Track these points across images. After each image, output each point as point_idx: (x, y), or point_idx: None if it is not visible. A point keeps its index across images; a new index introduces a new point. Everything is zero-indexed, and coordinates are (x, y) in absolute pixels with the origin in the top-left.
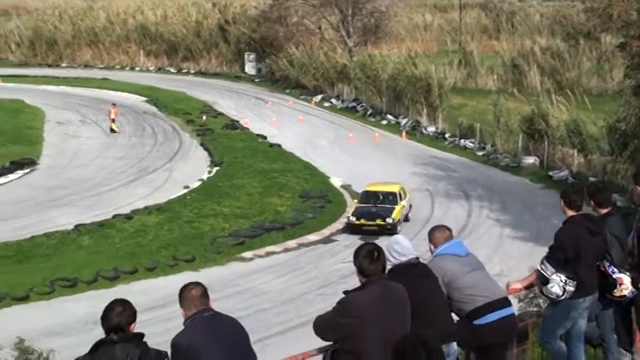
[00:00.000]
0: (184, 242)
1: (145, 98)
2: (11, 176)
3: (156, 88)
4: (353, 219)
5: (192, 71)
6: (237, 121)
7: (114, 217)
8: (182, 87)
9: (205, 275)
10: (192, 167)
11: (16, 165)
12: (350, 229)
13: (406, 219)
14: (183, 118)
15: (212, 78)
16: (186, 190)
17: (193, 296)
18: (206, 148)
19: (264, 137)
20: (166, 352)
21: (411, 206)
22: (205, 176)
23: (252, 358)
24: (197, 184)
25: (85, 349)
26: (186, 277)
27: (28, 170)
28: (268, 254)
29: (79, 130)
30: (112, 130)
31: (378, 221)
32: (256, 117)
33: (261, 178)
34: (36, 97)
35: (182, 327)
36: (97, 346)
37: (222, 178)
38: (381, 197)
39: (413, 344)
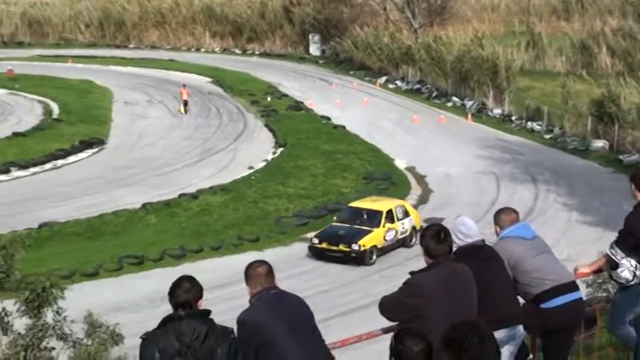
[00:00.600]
0: (249, 222)
1: (210, 79)
2: (81, 155)
3: (221, 69)
4: (315, 241)
5: (257, 52)
6: (302, 103)
7: (180, 196)
8: (247, 68)
9: (269, 255)
10: (257, 148)
11: (86, 144)
12: (313, 253)
13: (405, 244)
14: (248, 99)
15: (276, 59)
16: (250, 171)
17: (259, 274)
18: (270, 129)
19: (329, 119)
20: (232, 329)
21: (416, 228)
22: (270, 157)
23: (317, 336)
24: (261, 164)
25: (152, 325)
26: (250, 256)
27: (96, 149)
28: None
29: (146, 111)
30: (180, 111)
31: (342, 247)
32: (321, 98)
33: (325, 159)
34: (104, 77)
35: (248, 305)
36: (165, 322)
37: (287, 159)
38: (365, 216)
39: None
